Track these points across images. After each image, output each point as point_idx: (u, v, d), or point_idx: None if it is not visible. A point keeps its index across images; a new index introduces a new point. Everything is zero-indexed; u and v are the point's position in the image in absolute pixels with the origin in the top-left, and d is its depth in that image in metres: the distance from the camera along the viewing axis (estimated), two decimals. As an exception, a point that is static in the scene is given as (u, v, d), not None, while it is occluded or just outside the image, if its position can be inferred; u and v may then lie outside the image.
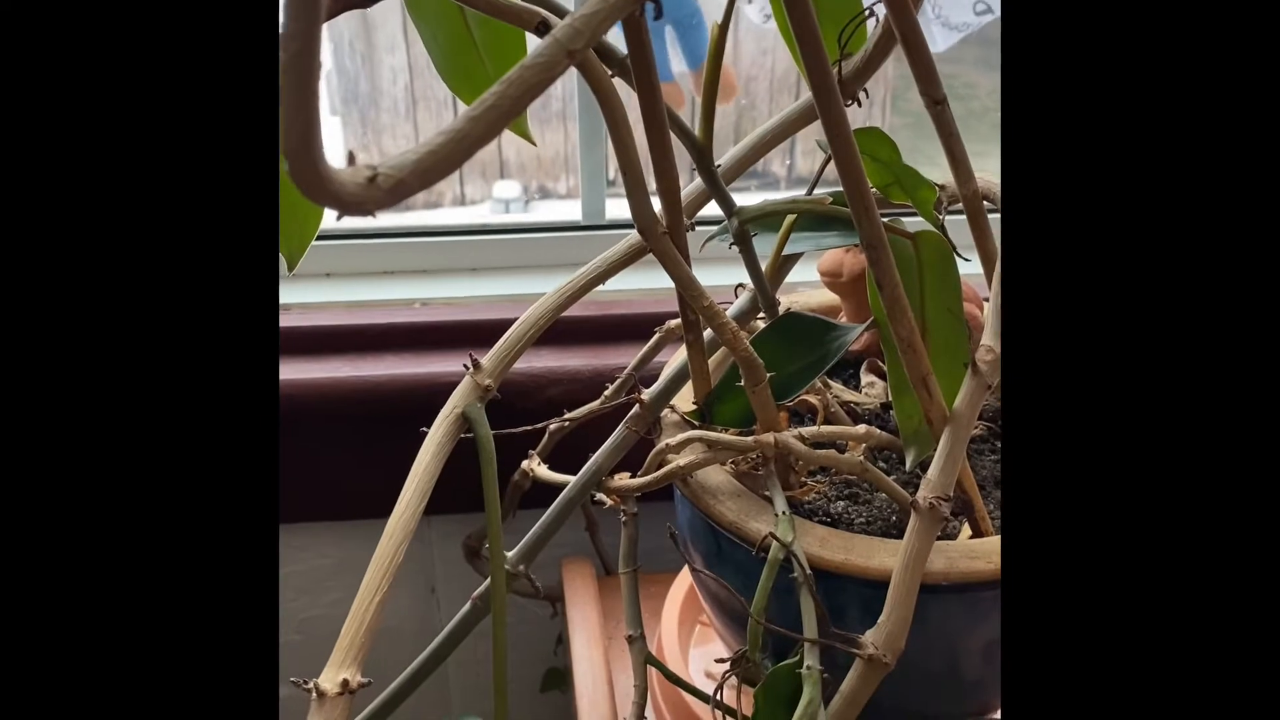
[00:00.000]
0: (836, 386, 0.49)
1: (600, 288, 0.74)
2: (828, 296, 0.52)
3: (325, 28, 0.37)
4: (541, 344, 0.68)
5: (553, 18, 0.33)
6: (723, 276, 0.60)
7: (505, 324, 0.67)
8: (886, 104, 1.24)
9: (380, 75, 1.22)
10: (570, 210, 0.77)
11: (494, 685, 0.32)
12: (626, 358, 0.66)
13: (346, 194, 0.19)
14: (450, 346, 0.67)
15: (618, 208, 0.74)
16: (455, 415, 0.31)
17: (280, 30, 0.16)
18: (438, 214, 1.40)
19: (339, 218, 0.20)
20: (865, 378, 0.52)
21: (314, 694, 0.27)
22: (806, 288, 0.56)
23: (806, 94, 0.41)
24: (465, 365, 0.34)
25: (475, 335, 0.68)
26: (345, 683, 0.27)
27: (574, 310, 0.63)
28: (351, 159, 0.19)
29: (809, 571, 0.36)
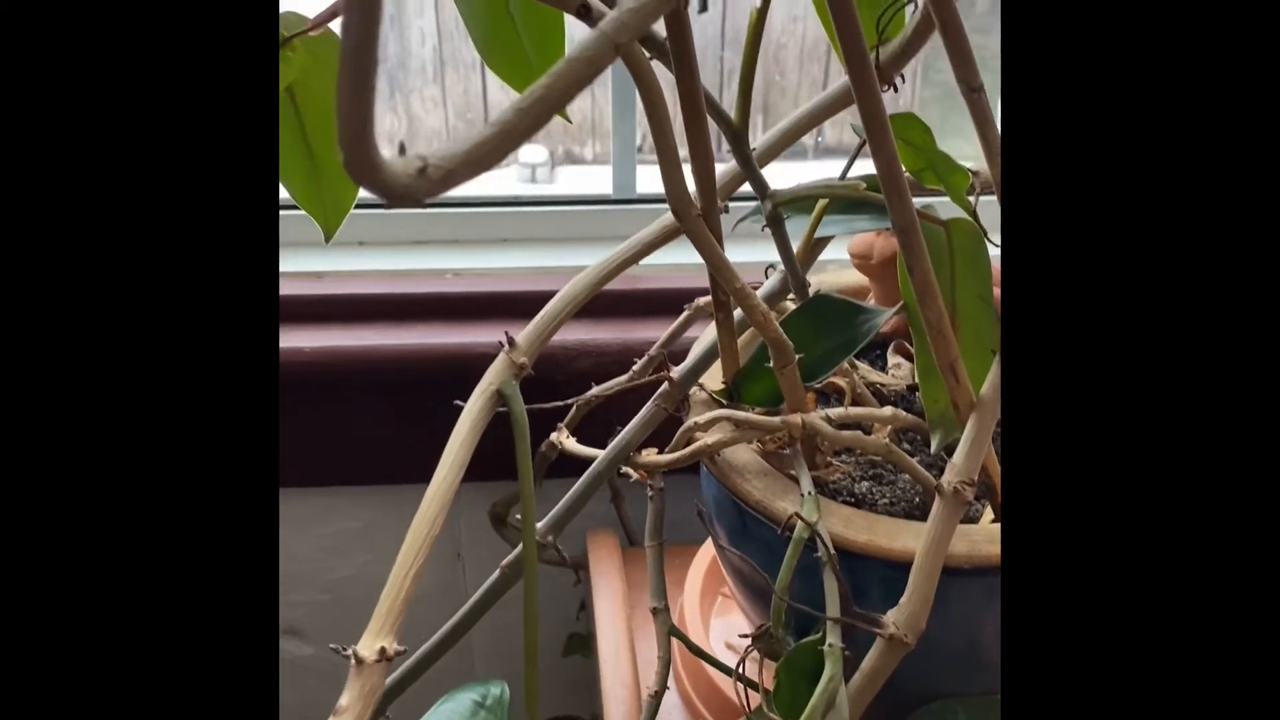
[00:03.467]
0: (863, 367, 0.49)
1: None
2: (855, 276, 0.52)
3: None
4: (576, 317, 0.69)
5: (594, 1, 0.33)
6: (750, 253, 0.61)
7: (536, 296, 0.68)
8: (917, 76, 1.23)
9: (409, 38, 1.22)
10: (597, 176, 0.77)
11: (525, 653, 0.33)
12: (655, 332, 0.67)
13: (398, 184, 0.19)
14: (482, 317, 0.68)
15: (647, 180, 0.74)
16: (491, 392, 0.32)
17: (341, 21, 0.17)
18: None
19: (388, 206, 0.20)
20: (892, 359, 0.52)
21: (352, 660, 0.28)
22: (835, 266, 0.56)
23: (840, 72, 0.41)
24: (500, 342, 0.34)
25: (506, 306, 0.68)
26: (383, 650, 0.27)
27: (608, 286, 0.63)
28: (402, 149, 0.20)
29: (833, 551, 0.36)
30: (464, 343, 0.66)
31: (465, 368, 0.67)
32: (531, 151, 1.41)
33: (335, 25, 0.39)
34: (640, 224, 0.75)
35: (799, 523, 0.37)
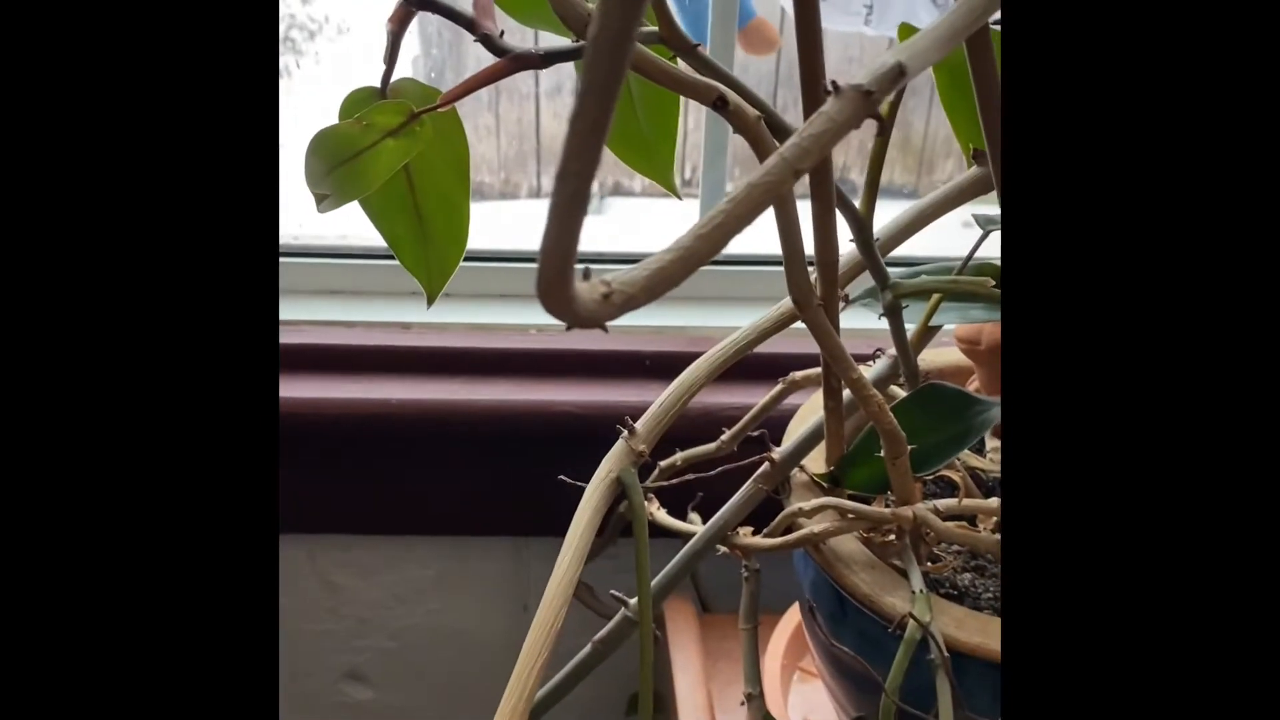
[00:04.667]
0: (963, 452, 0.48)
1: (708, 328, 0.74)
2: (957, 356, 0.52)
3: (416, 18, 0.38)
4: (653, 378, 0.69)
5: (730, 93, 0.33)
6: (847, 319, 0.60)
7: (620, 355, 0.68)
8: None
9: (465, 64, 1.24)
10: (646, 209, 0.76)
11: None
12: (736, 398, 0.66)
13: (585, 311, 0.19)
14: (560, 375, 0.68)
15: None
16: (611, 480, 0.32)
17: (560, 167, 0.17)
18: (514, 205, 1.41)
19: (568, 328, 0.20)
20: (991, 442, 0.51)
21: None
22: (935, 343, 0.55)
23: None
24: (619, 428, 0.34)
25: (584, 365, 0.68)
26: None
27: (685, 348, 0.63)
28: (586, 275, 0.20)
29: (946, 654, 0.35)
30: (542, 400, 0.66)
31: (544, 426, 0.67)
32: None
33: (460, 104, 0.39)
34: (727, 285, 0.75)
35: (911, 622, 0.36)
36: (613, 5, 0.14)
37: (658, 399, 0.36)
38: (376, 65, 0.39)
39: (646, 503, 0.52)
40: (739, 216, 0.21)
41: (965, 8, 0.23)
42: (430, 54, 1.18)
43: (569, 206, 0.17)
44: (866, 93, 0.21)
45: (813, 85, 0.31)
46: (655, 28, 0.32)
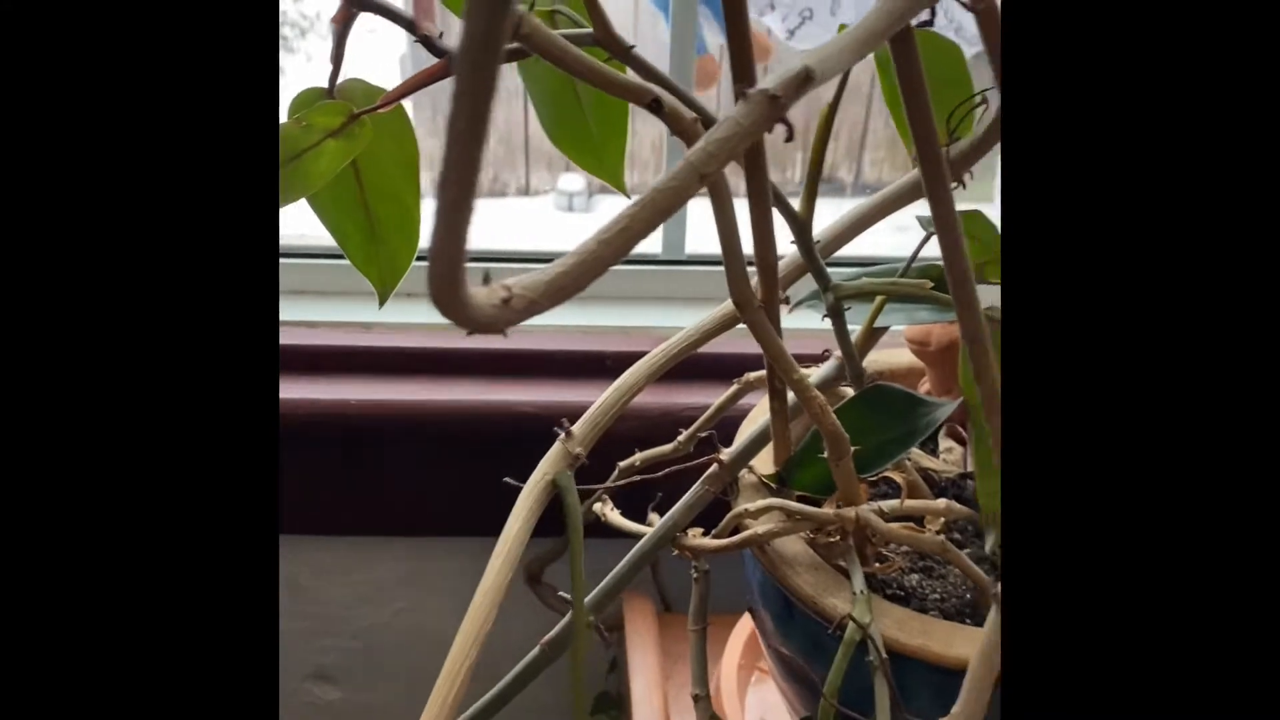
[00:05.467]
0: (915, 452, 0.49)
1: (670, 328, 0.74)
2: (908, 357, 0.52)
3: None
4: (616, 377, 0.69)
5: (666, 95, 0.33)
6: (804, 320, 0.60)
7: (581, 355, 0.68)
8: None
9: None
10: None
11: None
12: (696, 398, 0.66)
13: (483, 316, 0.19)
14: (525, 375, 0.68)
15: (696, 239, 0.74)
16: (546, 482, 0.32)
17: (440, 175, 0.17)
18: (503, 203, 1.40)
19: (469, 332, 0.20)
20: (944, 443, 0.51)
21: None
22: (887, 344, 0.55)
23: (904, 169, 0.41)
24: (556, 430, 0.34)
25: (550, 365, 0.68)
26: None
27: (647, 347, 0.63)
28: (486, 279, 0.20)
29: (884, 656, 0.36)
30: (507, 400, 0.66)
31: (508, 425, 0.67)
32: (569, 180, 1.41)
33: (406, 102, 0.39)
34: (689, 285, 0.75)
35: (851, 623, 0.36)
36: (477, 13, 0.14)
37: (595, 401, 0.36)
38: (366, 63, 0.39)
39: (601, 504, 0.52)
40: (644, 220, 0.21)
41: (878, 14, 0.23)
42: (415, 51, 1.18)
43: (452, 212, 0.17)
44: (773, 97, 0.21)
45: (745, 83, 0.31)
46: (590, 29, 0.32)
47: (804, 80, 0.21)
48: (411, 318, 0.70)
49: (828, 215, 0.40)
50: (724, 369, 0.54)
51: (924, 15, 0.26)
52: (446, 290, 0.18)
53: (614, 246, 0.20)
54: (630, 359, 0.68)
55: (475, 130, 0.15)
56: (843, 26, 0.25)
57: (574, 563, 0.32)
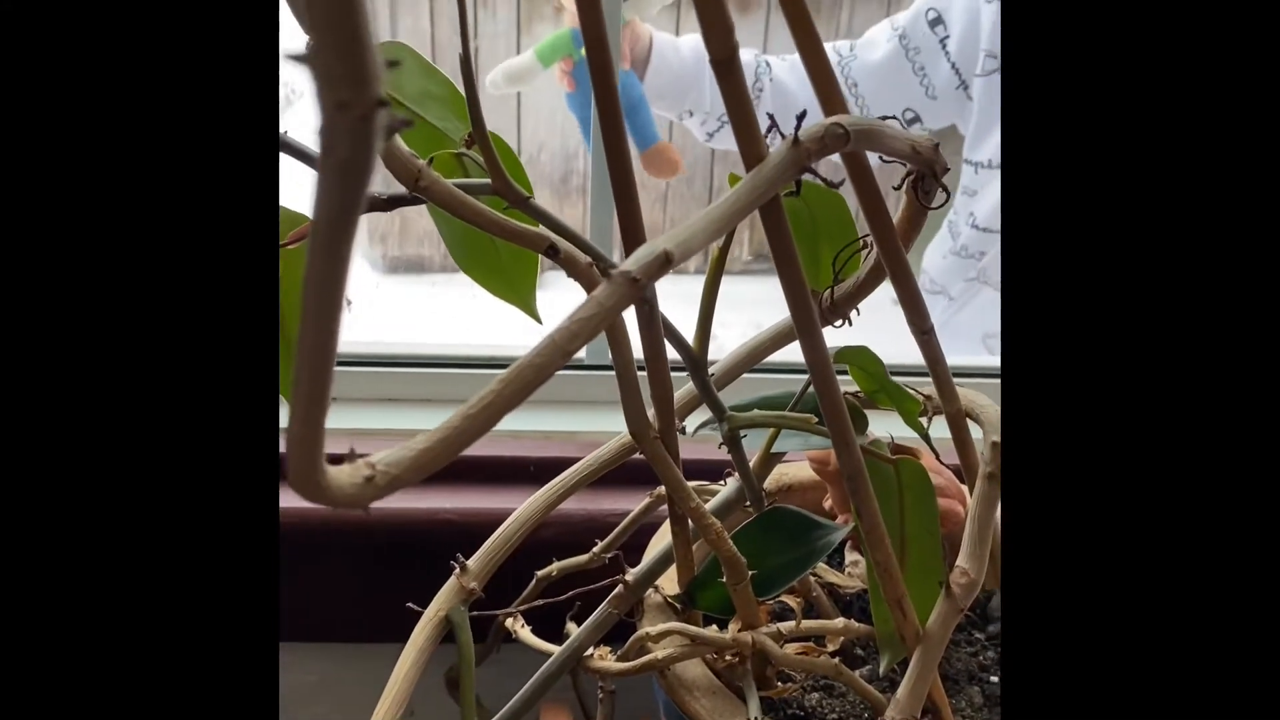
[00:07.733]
0: (820, 566, 0.50)
1: (596, 432, 0.74)
2: (812, 471, 0.53)
3: None
4: (538, 484, 0.69)
5: (562, 242, 0.34)
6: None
7: (501, 461, 0.69)
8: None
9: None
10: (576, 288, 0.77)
11: None
12: (619, 504, 0.67)
13: (344, 496, 0.20)
14: (443, 481, 0.68)
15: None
16: (439, 619, 0.32)
17: (296, 365, 0.18)
18: (434, 278, 1.39)
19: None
20: (850, 555, 0.52)
21: None
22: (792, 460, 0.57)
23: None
24: (452, 565, 0.35)
25: (469, 472, 0.69)
26: None
27: (572, 453, 0.64)
28: (352, 455, 0.20)
29: (777, 784, 0.36)
30: (425, 507, 0.66)
31: (426, 532, 0.66)
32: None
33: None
34: (613, 390, 0.76)
35: (745, 751, 0.37)
36: (328, 199, 0.15)
37: (492, 535, 0.36)
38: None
39: (513, 619, 0.52)
40: (509, 396, 0.22)
41: (734, 199, 0.24)
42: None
43: (309, 405, 0.18)
44: (634, 279, 0.23)
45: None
46: (489, 180, 0.34)
47: (663, 263, 0.23)
48: (332, 423, 0.70)
49: (760, 292, 0.41)
50: (648, 475, 0.55)
51: (791, 186, 0.28)
52: (306, 479, 0.19)
53: (478, 421, 0.21)
54: (554, 464, 0.69)
55: (327, 318, 0.16)
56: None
57: (465, 696, 0.33)
